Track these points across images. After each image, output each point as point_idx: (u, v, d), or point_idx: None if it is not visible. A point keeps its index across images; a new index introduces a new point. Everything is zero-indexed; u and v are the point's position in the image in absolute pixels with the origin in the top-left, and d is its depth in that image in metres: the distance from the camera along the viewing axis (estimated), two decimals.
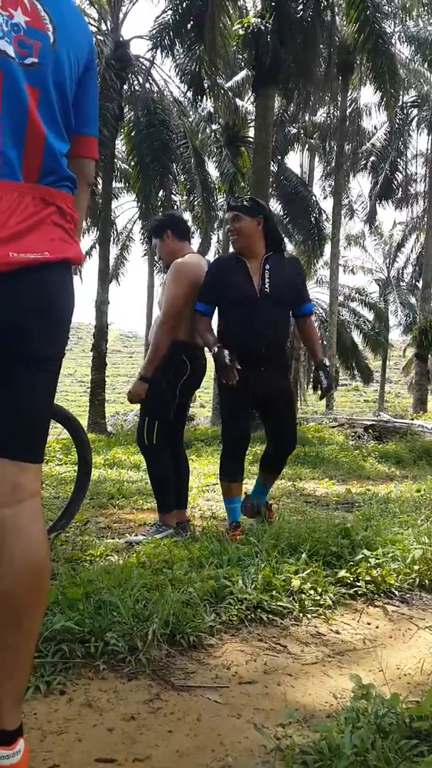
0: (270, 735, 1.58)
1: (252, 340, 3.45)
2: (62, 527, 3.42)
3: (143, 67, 16.40)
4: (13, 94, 1.29)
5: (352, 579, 2.73)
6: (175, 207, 19.64)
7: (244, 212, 3.45)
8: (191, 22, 13.74)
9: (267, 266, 3.45)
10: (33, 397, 1.40)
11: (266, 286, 3.44)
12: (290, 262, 3.68)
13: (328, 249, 21.98)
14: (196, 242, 26.11)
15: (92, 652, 1.94)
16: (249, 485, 5.73)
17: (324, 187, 27.46)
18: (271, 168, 15.41)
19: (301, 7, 13.04)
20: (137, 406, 3.88)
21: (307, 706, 1.80)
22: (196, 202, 20.05)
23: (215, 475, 6.73)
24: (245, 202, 3.52)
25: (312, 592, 2.56)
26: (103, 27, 16.03)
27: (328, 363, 3.31)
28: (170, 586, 2.42)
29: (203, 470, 7.20)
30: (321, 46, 13.99)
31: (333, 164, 22.59)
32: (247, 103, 19.72)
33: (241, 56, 16.11)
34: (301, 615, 2.44)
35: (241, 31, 13.07)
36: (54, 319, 1.40)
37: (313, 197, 20.66)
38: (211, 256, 28.05)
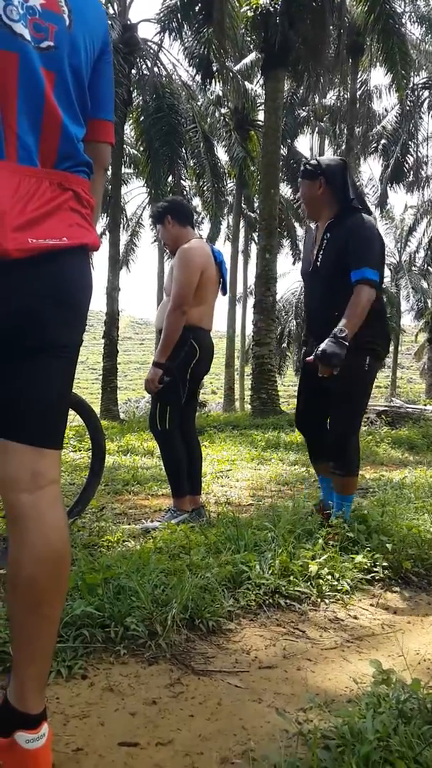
0: (291, 719, 1.59)
1: (309, 317, 3.33)
2: (78, 513, 3.44)
3: (151, 51, 16.29)
4: (30, 78, 1.27)
5: (369, 564, 2.73)
6: (185, 192, 19.56)
7: (303, 176, 3.20)
8: (199, 5, 13.63)
9: (327, 234, 3.14)
10: (51, 384, 1.39)
11: (319, 257, 3.15)
12: (351, 225, 3.05)
13: None
14: (206, 227, 26.04)
15: (112, 636, 1.95)
16: (251, 477, 5.73)
17: None
18: (281, 152, 15.26)
19: None
20: (148, 394, 3.86)
21: (328, 690, 1.80)
22: (205, 187, 19.96)
23: (229, 461, 6.76)
24: (306, 165, 3.22)
25: (329, 577, 2.56)
26: (111, 11, 15.89)
27: (344, 335, 2.83)
28: (188, 572, 2.43)
29: (216, 456, 7.20)
30: (331, 27, 13.82)
31: (343, 147, 22.36)
32: (256, 87, 19.54)
33: (249, 38, 15.98)
34: (318, 600, 2.44)
35: (249, 13, 12.95)
36: (72, 306, 1.39)
37: None
38: (221, 241, 28.02)
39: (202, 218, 25.71)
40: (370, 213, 3.17)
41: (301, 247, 26.52)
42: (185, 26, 14.44)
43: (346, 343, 2.86)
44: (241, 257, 26.77)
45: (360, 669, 1.94)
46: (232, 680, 1.83)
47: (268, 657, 1.99)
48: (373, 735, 1.42)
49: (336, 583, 2.54)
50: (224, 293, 3.88)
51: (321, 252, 3.15)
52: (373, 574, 2.70)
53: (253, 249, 26.52)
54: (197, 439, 4.00)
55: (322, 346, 2.88)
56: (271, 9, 12.53)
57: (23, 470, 1.36)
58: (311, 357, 3.02)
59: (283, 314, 30.79)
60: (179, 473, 3.69)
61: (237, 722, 1.61)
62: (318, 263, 3.16)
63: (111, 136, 1.59)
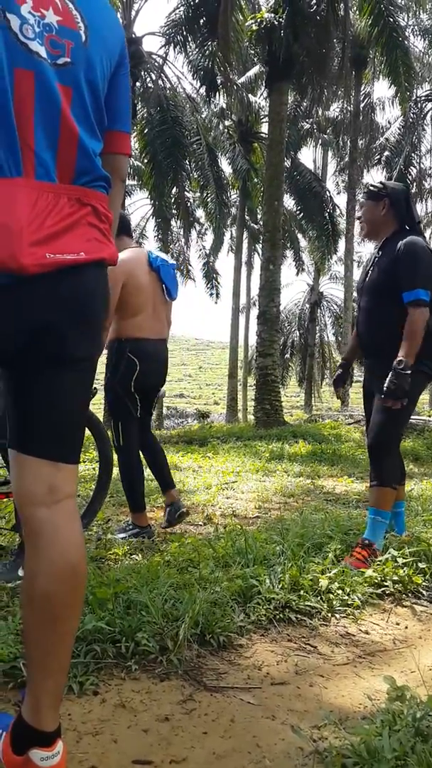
0: (307, 737, 1.57)
1: (358, 333, 3.36)
2: (85, 526, 3.43)
3: (156, 63, 16.38)
4: (46, 94, 1.28)
5: (379, 579, 2.71)
6: (188, 203, 19.64)
7: (367, 197, 3.28)
8: (204, 18, 13.73)
9: (379, 252, 3.24)
10: (69, 398, 1.39)
11: (369, 275, 3.25)
12: (400, 245, 3.09)
13: (341, 245, 21.88)
14: (209, 238, 26.12)
15: (123, 652, 1.94)
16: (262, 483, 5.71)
17: (337, 182, 27.41)
18: (285, 164, 15.33)
19: (314, 1, 12.97)
20: None
21: (342, 707, 1.78)
22: (209, 199, 20.04)
23: (234, 473, 6.75)
24: (370, 187, 3.30)
25: (340, 591, 2.54)
26: (120, 23, 16.00)
27: (402, 366, 2.91)
28: (197, 586, 2.41)
29: (221, 468, 7.18)
30: (335, 40, 13.90)
31: (346, 159, 22.49)
32: (260, 99, 19.65)
33: (253, 51, 16.08)
34: (329, 615, 2.42)
35: (254, 27, 13.02)
36: (90, 320, 1.39)
37: (327, 193, 20.51)
38: (224, 252, 28.09)
39: (206, 229, 25.83)
40: (422, 235, 3.22)
41: (304, 258, 26.62)
42: (190, 39, 14.53)
43: (408, 372, 2.93)
44: (244, 268, 26.83)
45: (373, 685, 1.93)
46: (245, 697, 1.82)
47: (280, 673, 1.98)
48: (390, 754, 1.41)
49: (346, 597, 2.53)
50: (170, 298, 3.75)
51: (371, 270, 3.24)
52: (383, 589, 2.68)
53: (257, 260, 26.59)
54: (158, 443, 4.03)
55: (386, 383, 2.96)
56: (276, 23, 12.61)
57: (40, 484, 1.36)
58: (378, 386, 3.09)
59: (287, 325, 30.84)
60: (134, 489, 3.68)
61: (251, 740, 1.60)
62: (367, 279, 3.25)
63: (128, 147, 1.59)
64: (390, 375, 2.94)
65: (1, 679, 1.76)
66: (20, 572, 2.59)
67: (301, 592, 2.47)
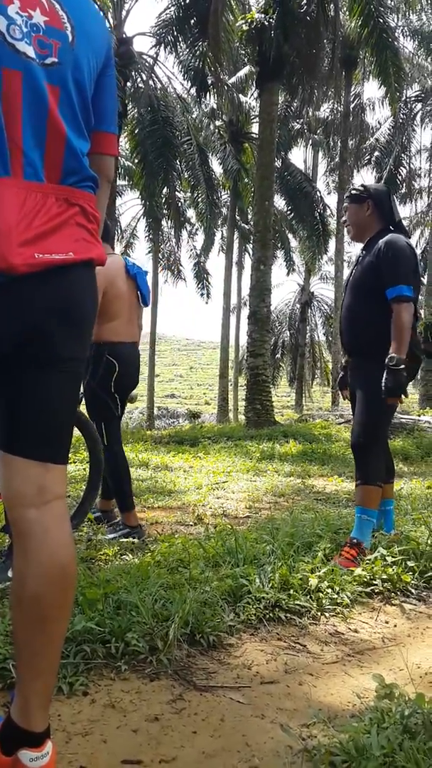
0: (296, 736, 1.58)
1: (341, 331, 3.42)
2: (75, 526, 3.42)
3: (146, 63, 16.36)
4: (34, 94, 1.28)
5: (368, 577, 2.72)
6: (179, 204, 19.65)
7: (351, 201, 3.33)
8: (194, 19, 13.74)
9: (363, 252, 3.28)
10: (57, 399, 1.39)
11: (353, 274, 3.32)
12: (383, 243, 3.12)
13: (332, 245, 21.95)
14: (200, 238, 26.12)
15: (113, 652, 1.94)
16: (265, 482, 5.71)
17: (328, 182, 27.48)
18: (276, 164, 15.35)
19: (304, 2, 13.00)
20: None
21: (331, 706, 1.79)
22: (200, 199, 20.06)
23: (224, 473, 6.75)
24: (353, 191, 3.35)
25: (329, 590, 2.55)
26: (106, 24, 15.98)
27: (394, 362, 2.95)
28: (187, 586, 2.42)
29: (212, 468, 7.19)
30: (325, 41, 13.94)
31: (337, 160, 22.55)
32: (250, 99, 19.68)
33: (244, 52, 16.09)
34: (319, 614, 2.43)
35: (244, 27, 13.04)
36: (77, 320, 1.39)
37: (318, 193, 20.57)
38: (215, 252, 28.11)
39: (197, 230, 25.84)
40: (405, 233, 3.26)
41: (295, 258, 26.67)
42: (180, 40, 14.53)
43: (401, 367, 2.97)
44: (235, 268, 26.86)
45: (362, 683, 1.94)
46: (234, 696, 1.82)
47: (269, 672, 1.98)
48: (378, 751, 1.42)
49: (336, 596, 2.54)
50: (145, 305, 3.87)
51: (355, 269, 3.30)
52: (372, 587, 2.69)
53: (247, 260, 26.62)
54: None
55: (383, 381, 2.98)
56: (266, 23, 12.64)
57: (29, 485, 1.36)
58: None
59: (277, 325, 30.89)
60: (121, 490, 3.68)
61: (240, 739, 1.60)
62: (351, 278, 3.31)
63: (115, 148, 1.60)
64: (385, 373, 2.97)
65: None
66: (10, 573, 2.58)
67: (291, 591, 2.48)
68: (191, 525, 4.15)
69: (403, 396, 3.06)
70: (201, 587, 2.41)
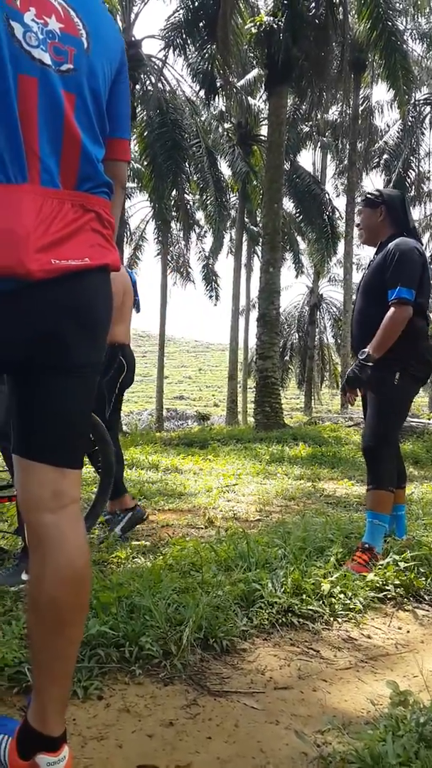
0: (311, 742, 1.58)
1: (351, 334, 3.41)
2: (87, 529, 3.43)
3: (155, 66, 16.41)
4: (50, 101, 1.28)
5: (380, 582, 2.72)
6: (188, 206, 19.68)
7: (365, 204, 3.35)
8: (203, 21, 13.76)
9: (375, 257, 3.29)
10: (72, 404, 1.40)
11: (364, 277, 3.33)
12: (393, 246, 3.14)
13: (341, 247, 21.91)
14: (209, 241, 26.15)
15: (127, 656, 1.94)
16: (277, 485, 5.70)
17: (337, 185, 27.45)
18: (284, 166, 15.34)
19: (313, 5, 13.02)
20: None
21: (345, 712, 1.79)
22: (208, 201, 20.09)
23: (234, 476, 6.75)
24: (368, 195, 3.38)
25: (342, 596, 2.55)
26: (120, 30, 16.03)
27: (366, 357, 3.00)
28: (200, 590, 2.42)
29: (222, 470, 7.19)
30: (334, 43, 13.94)
31: (346, 162, 22.52)
32: (259, 102, 19.71)
33: (252, 54, 16.10)
34: (331, 619, 2.43)
35: (253, 30, 13.06)
36: (93, 326, 1.39)
37: (327, 195, 20.55)
38: (224, 255, 28.12)
39: (205, 232, 25.88)
40: (418, 239, 3.26)
41: (303, 260, 26.64)
42: (189, 42, 14.56)
43: (369, 365, 3.01)
44: (243, 270, 26.86)
45: (376, 690, 1.93)
46: (248, 701, 1.82)
47: (283, 677, 1.98)
48: (394, 759, 1.41)
49: (348, 601, 2.53)
50: (138, 311, 4.12)
51: (366, 272, 3.31)
52: (384, 593, 2.69)
53: (256, 262, 26.61)
54: (120, 449, 4.12)
55: (348, 371, 3.03)
56: (275, 26, 12.65)
57: (45, 490, 1.37)
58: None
59: (286, 327, 30.88)
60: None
61: (255, 745, 1.60)
62: (362, 282, 3.32)
63: (128, 153, 1.60)
64: (353, 364, 3.04)
65: (6, 683, 1.76)
66: (24, 576, 2.60)
67: (304, 596, 2.48)
68: (202, 528, 4.15)
69: (358, 391, 3.16)
70: (213, 591, 2.41)
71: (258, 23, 12.85)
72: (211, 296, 26.45)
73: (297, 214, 21.31)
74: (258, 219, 23.51)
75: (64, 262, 1.27)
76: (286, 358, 30.99)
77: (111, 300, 1.45)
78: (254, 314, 16.88)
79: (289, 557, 2.85)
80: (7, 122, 1.22)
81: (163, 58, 15.76)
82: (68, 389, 1.38)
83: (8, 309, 1.25)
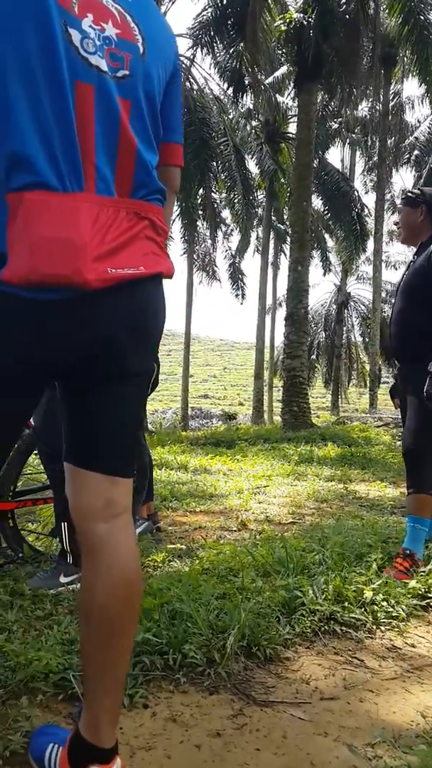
0: (362, 756, 1.55)
1: (390, 335, 3.36)
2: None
3: (183, 65, 16.41)
4: (106, 108, 1.27)
5: (423, 590, 2.67)
6: (215, 204, 19.66)
7: (404, 203, 3.31)
8: (231, 20, 13.73)
9: (414, 257, 3.24)
10: (125, 413, 1.38)
11: (403, 278, 3.26)
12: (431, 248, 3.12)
13: (370, 245, 21.72)
14: (235, 239, 26.12)
15: (171, 664, 1.93)
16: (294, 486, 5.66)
17: (365, 181, 27.22)
18: (313, 164, 15.23)
19: (344, 0, 12.90)
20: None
21: (394, 724, 1.75)
22: (236, 200, 20.04)
23: (265, 477, 6.72)
24: (408, 194, 3.34)
25: (384, 603, 2.51)
26: (174, 34, 16.04)
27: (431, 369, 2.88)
28: (239, 596, 2.39)
29: (252, 471, 7.16)
30: (364, 39, 13.81)
31: (375, 159, 22.31)
32: (287, 99, 19.60)
33: (281, 52, 16.02)
34: (374, 627, 2.39)
35: (283, 27, 12.98)
36: (147, 334, 1.38)
37: (355, 192, 20.37)
38: (250, 253, 28.06)
39: (232, 230, 25.83)
40: None
41: (331, 258, 26.45)
42: (217, 41, 14.55)
43: None
44: (270, 269, 26.78)
45: (424, 701, 1.89)
46: (295, 712, 1.79)
47: (328, 687, 1.95)
48: None
49: (391, 609, 2.49)
50: None
51: (405, 273, 3.25)
52: (427, 600, 2.63)
53: (283, 261, 26.53)
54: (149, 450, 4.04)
55: (425, 387, 2.88)
56: (305, 23, 12.56)
57: (98, 499, 1.36)
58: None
59: (313, 326, 30.70)
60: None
61: (305, 757, 1.57)
62: (402, 282, 3.26)
63: (180, 158, 1.58)
64: (428, 379, 2.88)
65: (52, 690, 1.75)
66: (62, 579, 2.60)
67: (345, 604, 2.44)
68: (235, 531, 4.13)
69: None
70: (254, 597, 2.39)
71: (288, 20, 12.77)
72: (237, 295, 26.41)
73: (325, 212, 21.17)
74: (285, 217, 23.41)
75: (119, 270, 1.26)
76: (313, 356, 30.80)
77: (164, 307, 1.43)
78: (280, 313, 16.82)
79: (328, 563, 2.82)
80: (64, 130, 1.21)
81: (191, 57, 15.79)
82: (123, 398, 1.37)
83: (65, 318, 1.23)
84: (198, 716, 1.73)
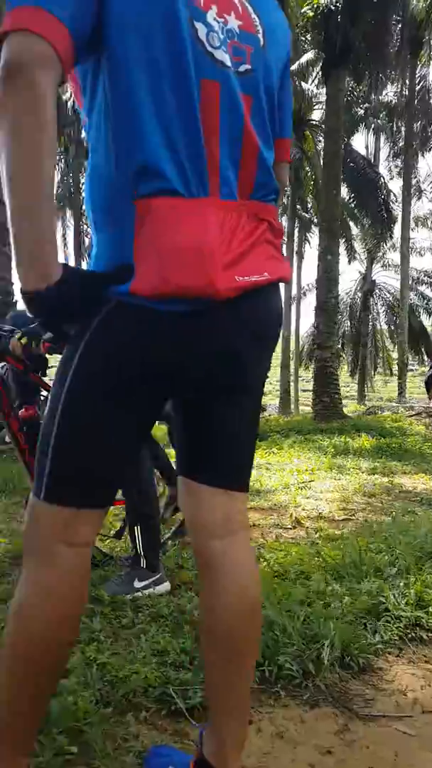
0: None
1: None
2: (183, 533, 3.39)
3: None
4: (231, 106, 1.20)
5: None
6: None
7: None
8: None
9: None
10: (245, 425, 1.34)
11: None
12: None
13: (396, 232, 21.44)
14: None
15: (267, 676, 1.89)
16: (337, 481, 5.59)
17: (390, 167, 26.81)
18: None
19: None
20: None
21: None
22: None
23: (309, 471, 6.65)
24: None
25: None
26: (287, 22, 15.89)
27: None
28: (320, 602, 2.35)
29: (292, 465, 7.09)
30: (392, 22, 13.55)
31: (400, 144, 21.97)
32: (311, 86, 19.32)
33: (304, 38, 15.79)
34: None
35: (309, 13, 12.77)
36: (267, 343, 1.32)
37: (382, 179, 20.09)
38: None
39: None
40: None
41: (355, 246, 26.15)
42: None
43: None
44: (295, 258, 26.55)
45: None
46: (399, 726, 1.74)
47: (428, 699, 1.89)
48: None
49: None
50: None
51: None
52: None
53: (308, 249, 26.28)
54: None
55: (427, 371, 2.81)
56: (333, 8, 12.34)
57: (216, 515, 1.31)
58: None
59: (338, 314, 30.42)
60: None
61: None
62: None
63: (289, 153, 1.51)
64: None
65: (154, 706, 1.72)
66: (137, 584, 2.57)
67: (429, 609, 2.38)
68: (290, 528, 4.08)
69: None
70: (333, 603, 2.34)
71: (315, 5, 12.55)
72: None
73: (350, 199, 20.90)
74: (309, 205, 23.18)
75: (246, 278, 1.20)
76: (338, 345, 30.57)
77: (282, 314, 1.37)
78: (305, 302, 16.65)
79: (402, 565, 2.75)
80: (190, 132, 1.15)
81: None
82: (242, 409, 1.32)
83: (191, 329, 1.18)
84: (303, 732, 1.68)
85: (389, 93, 22.09)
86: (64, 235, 27.14)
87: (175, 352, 1.19)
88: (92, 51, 1.13)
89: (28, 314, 1.18)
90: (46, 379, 3.67)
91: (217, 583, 1.30)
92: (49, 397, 1.25)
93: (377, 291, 31.52)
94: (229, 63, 1.20)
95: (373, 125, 23.75)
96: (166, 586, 2.63)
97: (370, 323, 31.23)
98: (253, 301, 1.24)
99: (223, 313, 1.19)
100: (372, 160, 23.55)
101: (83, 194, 1.23)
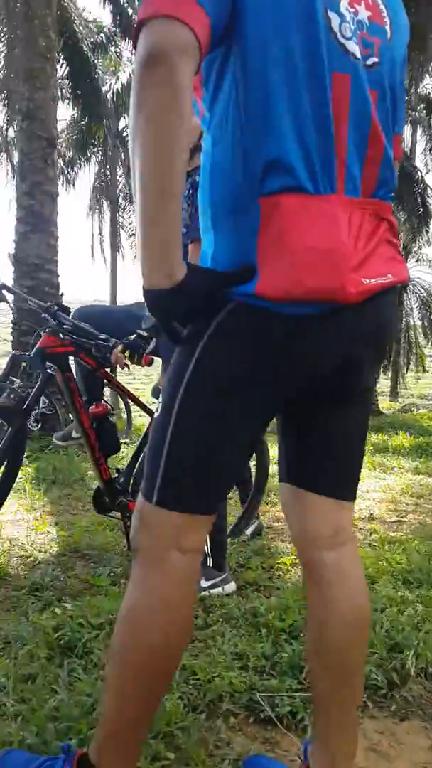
0: None
1: None
2: (241, 531, 3.35)
3: None
4: (359, 101, 1.15)
5: None
6: None
7: None
8: None
9: None
10: (357, 432, 1.29)
11: None
12: None
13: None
14: None
15: None
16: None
17: (426, 161, 26.37)
18: None
19: None
20: None
21: None
22: None
23: None
24: None
25: None
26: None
27: None
28: (394, 608, 2.29)
29: None
30: None
31: None
32: None
33: None
34: None
35: None
36: (383, 349, 1.28)
37: (419, 172, 19.73)
38: None
39: None
40: None
41: None
42: None
43: None
44: None
45: None
46: None
47: None
48: None
49: None
50: None
51: None
52: None
53: None
54: None
55: None
56: None
57: (325, 525, 1.27)
58: None
59: None
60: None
61: None
62: None
63: (401, 150, 1.45)
64: None
65: (242, 712, 1.69)
66: (203, 583, 2.54)
67: None
68: None
69: None
70: (406, 610, 2.28)
71: None
72: None
73: None
74: None
75: (372, 281, 1.15)
76: None
77: (397, 318, 1.32)
78: None
79: None
80: (321, 127, 1.10)
81: None
82: (355, 415, 1.27)
83: (315, 334, 1.13)
84: (396, 746, 1.64)
85: (428, 85, 21.70)
86: (100, 227, 27.18)
87: (297, 355, 1.14)
88: (221, 41, 1.08)
89: (148, 313, 1.14)
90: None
91: (328, 598, 1.25)
92: (162, 400, 1.21)
93: (411, 286, 31.00)
94: (359, 55, 1.14)
95: (410, 118, 23.33)
96: (232, 585, 2.59)
97: (403, 319, 30.77)
98: (374, 304, 1.19)
99: (347, 316, 1.14)
100: (408, 153, 23.17)
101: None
